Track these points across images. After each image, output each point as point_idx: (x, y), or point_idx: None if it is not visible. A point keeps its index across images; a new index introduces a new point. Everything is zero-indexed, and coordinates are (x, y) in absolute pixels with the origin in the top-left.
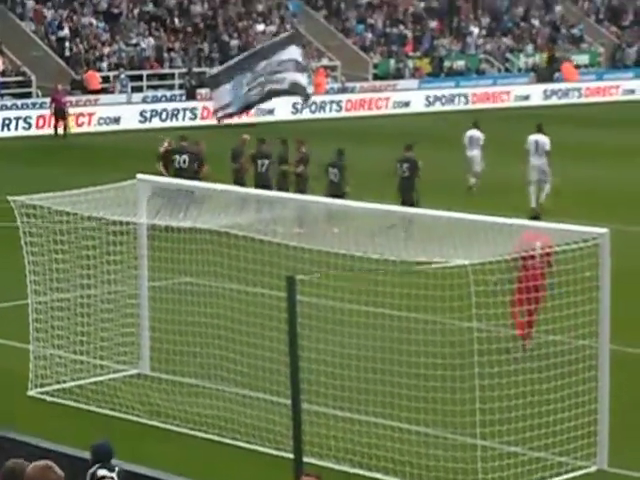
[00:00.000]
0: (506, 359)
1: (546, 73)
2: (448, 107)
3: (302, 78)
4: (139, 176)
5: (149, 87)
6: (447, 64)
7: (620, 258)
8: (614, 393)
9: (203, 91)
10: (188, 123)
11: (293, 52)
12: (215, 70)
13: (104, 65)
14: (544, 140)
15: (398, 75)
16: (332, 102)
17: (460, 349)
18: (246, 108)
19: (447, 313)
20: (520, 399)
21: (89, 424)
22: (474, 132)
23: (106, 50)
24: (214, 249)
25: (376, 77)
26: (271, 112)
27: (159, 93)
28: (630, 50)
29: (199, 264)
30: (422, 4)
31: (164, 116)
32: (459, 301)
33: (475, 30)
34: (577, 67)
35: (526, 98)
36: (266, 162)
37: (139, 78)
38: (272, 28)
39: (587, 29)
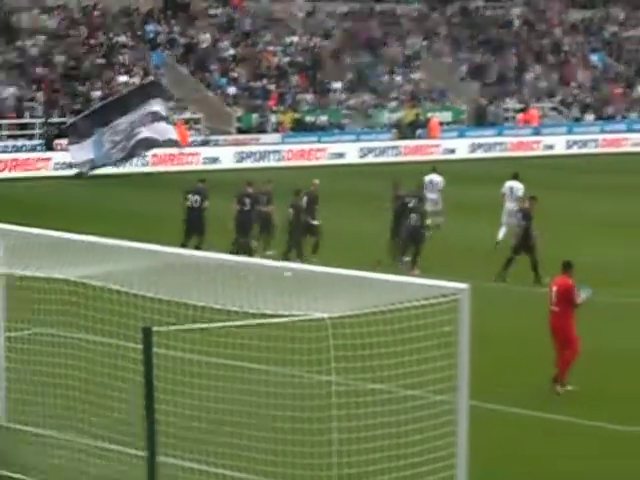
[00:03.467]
0: (364, 413)
1: (408, 130)
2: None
3: (165, 128)
4: None
5: (9, 137)
6: (310, 119)
7: (481, 314)
8: (472, 449)
9: (63, 141)
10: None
11: (154, 105)
12: (73, 119)
13: None
14: (518, 186)
15: (261, 129)
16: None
17: (319, 402)
18: (113, 164)
19: (305, 366)
20: (378, 453)
21: None
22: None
23: None
24: (71, 300)
25: (240, 131)
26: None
27: (19, 143)
28: (493, 107)
29: (56, 314)
30: (286, 59)
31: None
32: (318, 354)
33: (338, 85)
34: (441, 124)
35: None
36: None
37: None
38: (135, 80)
39: (451, 86)
